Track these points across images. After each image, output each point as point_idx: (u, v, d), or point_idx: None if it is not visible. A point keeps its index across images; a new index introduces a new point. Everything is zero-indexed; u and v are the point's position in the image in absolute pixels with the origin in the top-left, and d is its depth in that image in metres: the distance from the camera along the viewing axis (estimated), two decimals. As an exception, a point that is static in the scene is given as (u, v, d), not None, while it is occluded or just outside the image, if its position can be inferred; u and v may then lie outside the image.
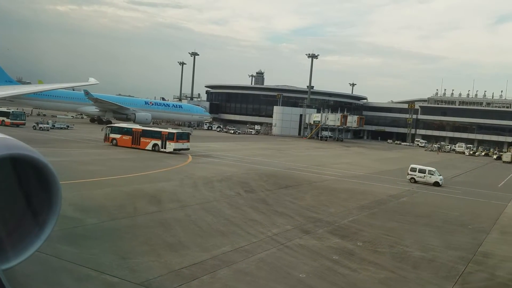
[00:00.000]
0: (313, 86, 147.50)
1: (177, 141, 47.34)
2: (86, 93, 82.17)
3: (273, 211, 22.66)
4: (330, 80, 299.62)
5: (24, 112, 75.06)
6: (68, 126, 70.45)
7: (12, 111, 69.34)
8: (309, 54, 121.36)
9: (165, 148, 46.89)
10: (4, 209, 5.43)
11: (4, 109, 73.30)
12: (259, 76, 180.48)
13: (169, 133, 48.26)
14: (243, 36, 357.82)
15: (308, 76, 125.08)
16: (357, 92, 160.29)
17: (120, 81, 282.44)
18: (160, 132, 49.15)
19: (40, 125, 64.17)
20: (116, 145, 48.91)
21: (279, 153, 61.11)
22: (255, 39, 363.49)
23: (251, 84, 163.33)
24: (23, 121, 67.69)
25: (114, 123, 65.39)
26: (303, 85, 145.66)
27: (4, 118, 65.80)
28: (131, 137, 49.26)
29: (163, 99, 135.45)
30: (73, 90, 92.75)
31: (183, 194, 25.66)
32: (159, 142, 47.56)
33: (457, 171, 56.59)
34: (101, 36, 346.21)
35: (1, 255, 4.97)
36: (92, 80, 60.24)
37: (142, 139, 48.50)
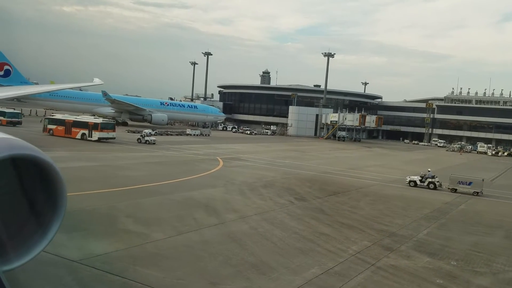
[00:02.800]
0: (319, 85, 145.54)
1: (101, 131, 51.97)
2: (105, 94, 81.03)
3: (339, 223, 21.16)
4: (336, 79, 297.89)
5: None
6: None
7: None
8: (325, 53, 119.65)
9: (91, 137, 51.72)
10: (7, 210, 5.22)
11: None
12: (266, 75, 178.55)
13: (94, 123, 52.97)
14: (248, 36, 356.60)
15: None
16: (360, 91, 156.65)
17: (126, 81, 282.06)
18: (87, 122, 54.02)
19: (147, 138, 54.79)
20: (52, 134, 53.52)
21: (305, 155, 59.57)
22: (260, 38, 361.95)
23: (265, 84, 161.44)
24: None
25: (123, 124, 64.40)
26: (310, 84, 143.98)
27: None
28: (64, 127, 54.00)
29: (171, 99, 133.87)
30: (81, 90, 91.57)
31: (235, 202, 24.25)
32: (86, 132, 52.28)
33: (492, 173, 54.72)
34: (106, 36, 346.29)
35: (3, 256, 4.80)
36: (96, 81, 59.16)
37: (73, 129, 53.38)
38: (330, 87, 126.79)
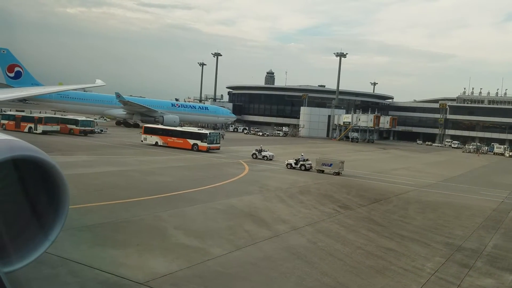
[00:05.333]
0: (324, 85, 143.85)
1: (45, 124, 57.33)
2: (118, 95, 79.99)
3: (398, 236, 19.78)
4: (341, 78, 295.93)
5: (219, 133, 59.01)
6: (102, 130, 68.19)
7: (210, 132, 52.32)
8: (337, 53, 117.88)
9: (36, 130, 56.41)
10: (9, 211, 5.12)
11: (195, 129, 55.36)
12: (270, 76, 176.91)
13: (39, 117, 58.31)
14: (251, 36, 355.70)
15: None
16: (367, 91, 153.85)
17: (129, 82, 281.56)
18: (33, 117, 59.16)
19: (264, 154, 47.66)
20: (5, 129, 56.46)
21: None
22: (263, 39, 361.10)
23: (269, 84, 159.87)
24: (219, 145, 52.31)
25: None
26: (314, 84, 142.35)
27: (198, 142, 49.79)
28: (14, 122, 59.13)
29: (176, 100, 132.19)
30: (85, 91, 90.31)
31: (280, 211, 22.94)
32: (33, 125, 57.29)
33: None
34: (109, 38, 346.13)
35: (4, 258, 4.73)
36: (99, 82, 58.37)
37: (22, 123, 58.34)
38: (334, 86, 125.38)
